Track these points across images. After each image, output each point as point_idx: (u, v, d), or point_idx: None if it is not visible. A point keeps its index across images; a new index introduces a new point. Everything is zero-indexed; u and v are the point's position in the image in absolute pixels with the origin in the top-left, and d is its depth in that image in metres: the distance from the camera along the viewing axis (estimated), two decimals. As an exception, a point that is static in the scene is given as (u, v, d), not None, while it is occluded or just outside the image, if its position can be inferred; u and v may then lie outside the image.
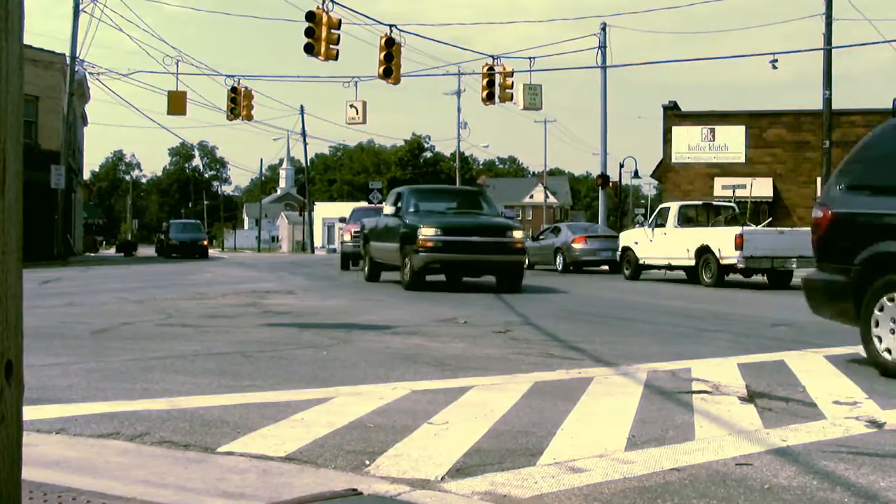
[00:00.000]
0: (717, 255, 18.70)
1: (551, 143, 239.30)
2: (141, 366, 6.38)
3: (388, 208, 17.45)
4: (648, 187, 59.49)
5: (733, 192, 34.81)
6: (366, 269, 19.54)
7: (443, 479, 3.45)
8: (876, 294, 6.40)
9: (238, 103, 30.84)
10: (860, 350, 7.68)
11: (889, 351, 6.26)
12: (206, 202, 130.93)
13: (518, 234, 16.23)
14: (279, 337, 8.38)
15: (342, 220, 30.77)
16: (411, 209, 16.82)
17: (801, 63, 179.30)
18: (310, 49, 22.00)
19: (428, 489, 3.30)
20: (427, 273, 15.86)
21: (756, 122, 42.28)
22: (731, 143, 42.15)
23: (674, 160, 42.67)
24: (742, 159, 41.90)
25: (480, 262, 15.80)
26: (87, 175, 75.72)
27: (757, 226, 21.59)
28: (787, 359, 7.03)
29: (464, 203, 18.02)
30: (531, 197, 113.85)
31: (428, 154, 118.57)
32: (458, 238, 15.45)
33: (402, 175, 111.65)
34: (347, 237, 27.00)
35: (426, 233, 15.38)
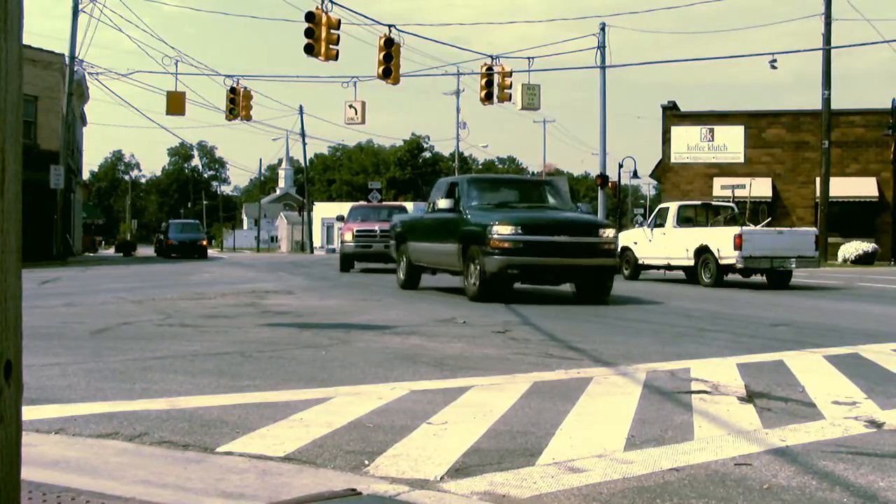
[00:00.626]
0: (717, 255, 18.71)
1: (550, 143, 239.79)
2: (140, 366, 6.38)
3: (442, 202, 14.74)
4: (647, 187, 59.48)
5: (732, 192, 34.84)
6: (401, 273, 16.91)
7: (442, 479, 3.45)
8: None
9: (237, 103, 30.86)
10: (859, 350, 7.70)
11: None
12: (205, 202, 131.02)
13: (610, 233, 13.75)
14: (278, 337, 8.38)
15: (340, 218, 28.83)
16: (474, 202, 14.35)
17: (800, 63, 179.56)
18: (310, 49, 22.02)
19: (427, 489, 3.30)
20: (502, 280, 13.33)
21: (755, 122, 42.36)
22: (731, 143, 42.22)
23: (673, 160, 42.73)
24: (741, 159, 41.98)
25: (567, 266, 13.30)
26: (86, 175, 75.71)
27: (756, 226, 21.60)
28: (786, 359, 7.03)
29: (532, 196, 15.49)
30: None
31: (427, 154, 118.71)
32: (542, 238, 13.02)
33: (402, 175, 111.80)
34: (348, 236, 25.50)
35: (502, 231, 12.93)
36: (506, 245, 12.87)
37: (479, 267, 13.22)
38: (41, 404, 4.77)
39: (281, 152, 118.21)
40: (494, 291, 13.29)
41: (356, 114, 30.36)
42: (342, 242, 26.07)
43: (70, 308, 11.83)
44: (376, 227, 24.88)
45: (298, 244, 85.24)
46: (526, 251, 12.90)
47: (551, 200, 15.35)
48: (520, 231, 12.98)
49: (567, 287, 14.89)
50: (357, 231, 25.18)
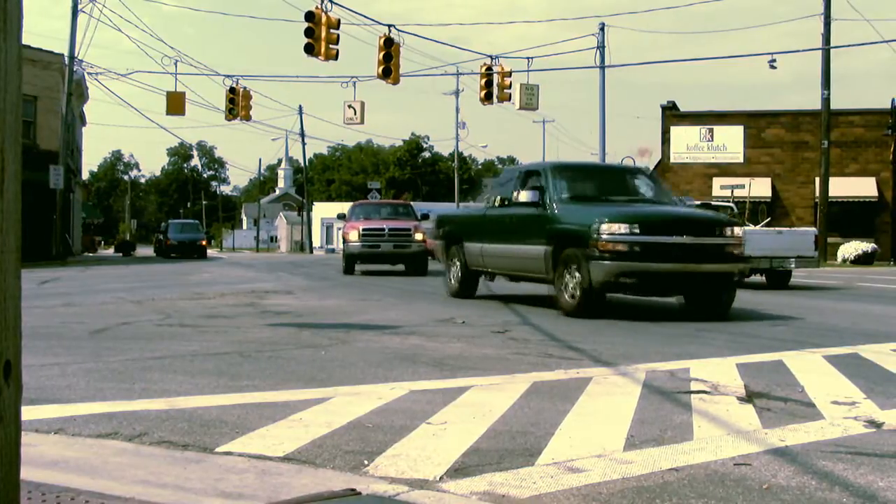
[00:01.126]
0: (716, 255, 18.67)
1: (550, 143, 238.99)
2: (139, 366, 6.38)
3: (524, 194, 12.05)
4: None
5: (732, 192, 34.85)
6: (453, 279, 14.47)
7: (441, 479, 3.45)
8: None
9: (236, 103, 30.86)
10: (859, 350, 7.70)
11: None
12: (204, 202, 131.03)
13: (737, 232, 11.29)
14: (278, 337, 8.38)
15: (341, 216, 26.44)
16: (563, 194, 11.93)
17: (799, 63, 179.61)
18: (310, 49, 22.02)
19: (426, 489, 3.30)
20: (612, 290, 11.06)
21: (754, 122, 42.38)
22: (730, 143, 42.24)
23: (672, 160, 42.75)
24: (740, 159, 42.01)
25: (691, 274, 10.82)
26: (85, 175, 75.75)
27: (755, 226, 21.59)
28: (786, 359, 7.03)
29: (627, 186, 13.11)
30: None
31: (426, 154, 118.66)
32: (662, 239, 10.61)
33: (401, 175, 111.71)
34: (354, 236, 23.25)
35: (614, 230, 10.54)
36: (618, 247, 10.47)
37: (580, 274, 10.75)
38: (40, 404, 4.76)
39: (280, 152, 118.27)
40: (600, 304, 10.98)
41: (355, 114, 30.37)
42: (346, 242, 23.85)
43: (69, 308, 11.83)
44: (384, 226, 23.45)
45: (298, 244, 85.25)
46: (643, 255, 10.47)
47: (649, 192, 12.89)
48: (636, 230, 10.57)
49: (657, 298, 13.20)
50: (364, 230, 23.23)
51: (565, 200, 11.86)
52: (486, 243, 13.37)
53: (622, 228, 10.58)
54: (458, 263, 14.36)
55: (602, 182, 13.07)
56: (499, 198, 13.42)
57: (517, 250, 12.35)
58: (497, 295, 14.73)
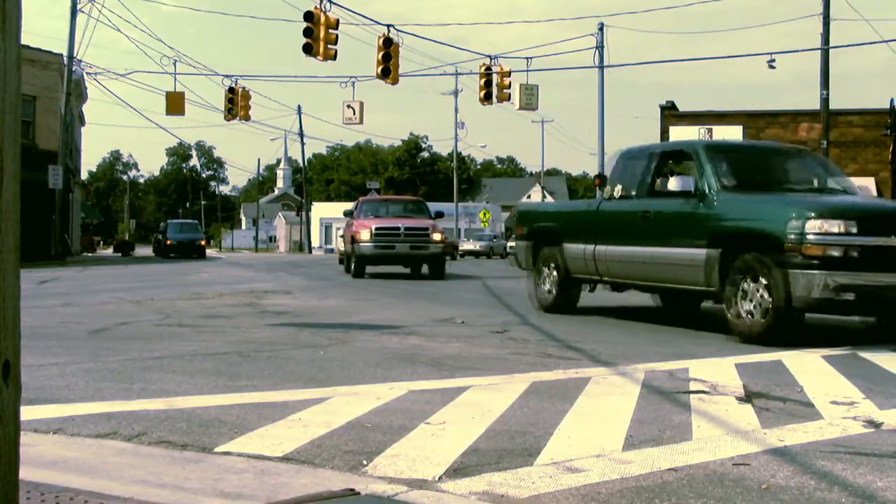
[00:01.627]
0: (715, 255, 18.60)
1: (549, 143, 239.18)
2: (138, 366, 6.38)
3: (673, 181, 9.43)
4: (646, 187, 59.24)
5: (731, 192, 34.83)
6: (548, 289, 11.83)
7: (440, 479, 3.45)
8: None
9: (235, 103, 30.86)
10: (858, 350, 7.70)
11: None
12: (203, 202, 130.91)
13: None
14: (277, 337, 8.38)
15: (347, 213, 24.14)
16: (729, 182, 9.25)
17: (798, 63, 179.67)
18: (308, 49, 22.02)
19: (425, 489, 3.30)
20: (818, 310, 8.31)
21: (753, 122, 42.34)
22: (729, 143, 42.19)
23: (671, 160, 42.71)
24: (739, 159, 41.92)
25: None
26: (84, 175, 75.71)
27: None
28: (785, 359, 7.04)
29: (800, 174, 10.27)
30: (528, 197, 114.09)
31: (425, 154, 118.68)
32: (887, 241, 7.82)
33: (400, 175, 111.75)
34: (365, 235, 20.98)
35: (824, 228, 7.80)
36: (834, 253, 7.71)
37: (770, 288, 8.11)
38: (39, 404, 4.76)
39: (279, 152, 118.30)
40: (797, 328, 8.28)
41: (354, 114, 30.36)
42: (355, 242, 21.44)
43: (68, 308, 11.83)
44: (399, 225, 21.45)
45: (297, 244, 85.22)
46: (863, 263, 7.75)
47: (826, 179, 10.16)
48: (853, 229, 7.80)
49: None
50: (377, 229, 21.05)
51: (733, 189, 9.21)
52: (602, 245, 10.72)
53: (836, 226, 7.81)
54: (552, 268, 11.78)
55: (769, 167, 10.31)
56: (619, 188, 10.82)
57: (658, 254, 9.64)
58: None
